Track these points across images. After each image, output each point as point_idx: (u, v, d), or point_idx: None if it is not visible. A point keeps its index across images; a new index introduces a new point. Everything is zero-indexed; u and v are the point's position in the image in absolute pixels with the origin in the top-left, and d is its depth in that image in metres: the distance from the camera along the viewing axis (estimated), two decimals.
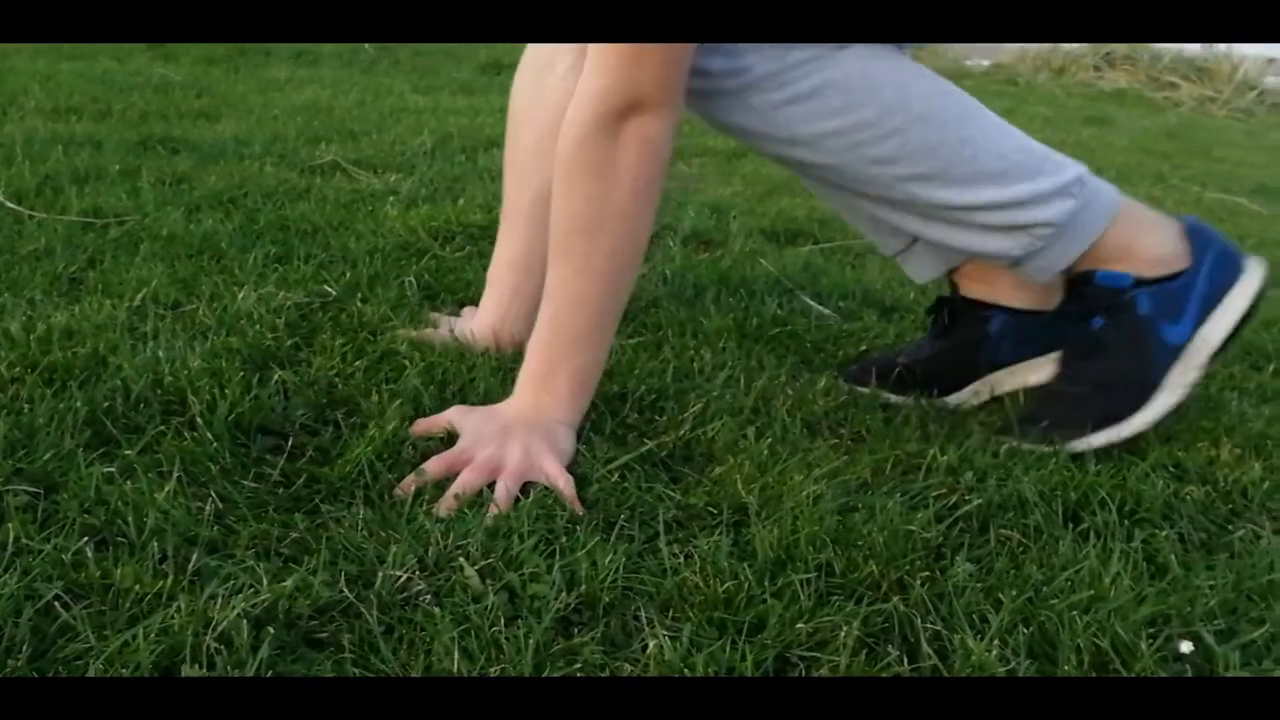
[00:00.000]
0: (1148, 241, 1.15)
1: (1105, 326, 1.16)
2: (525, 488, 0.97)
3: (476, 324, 1.29)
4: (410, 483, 0.95)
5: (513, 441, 1.00)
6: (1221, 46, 6.86)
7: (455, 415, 1.05)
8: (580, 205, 1.03)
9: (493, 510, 0.92)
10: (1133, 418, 1.14)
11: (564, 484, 0.97)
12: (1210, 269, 1.15)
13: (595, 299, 1.06)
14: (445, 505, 0.93)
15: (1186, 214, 1.21)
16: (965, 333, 1.26)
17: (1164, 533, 0.99)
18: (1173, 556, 0.95)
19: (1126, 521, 1.01)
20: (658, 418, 1.13)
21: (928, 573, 0.89)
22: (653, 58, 1.00)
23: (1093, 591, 0.87)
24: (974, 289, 1.26)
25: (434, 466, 0.97)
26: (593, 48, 1.02)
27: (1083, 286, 1.16)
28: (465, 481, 0.96)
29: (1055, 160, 1.13)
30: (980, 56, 6.86)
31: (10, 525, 0.81)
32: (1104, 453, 1.13)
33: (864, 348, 1.42)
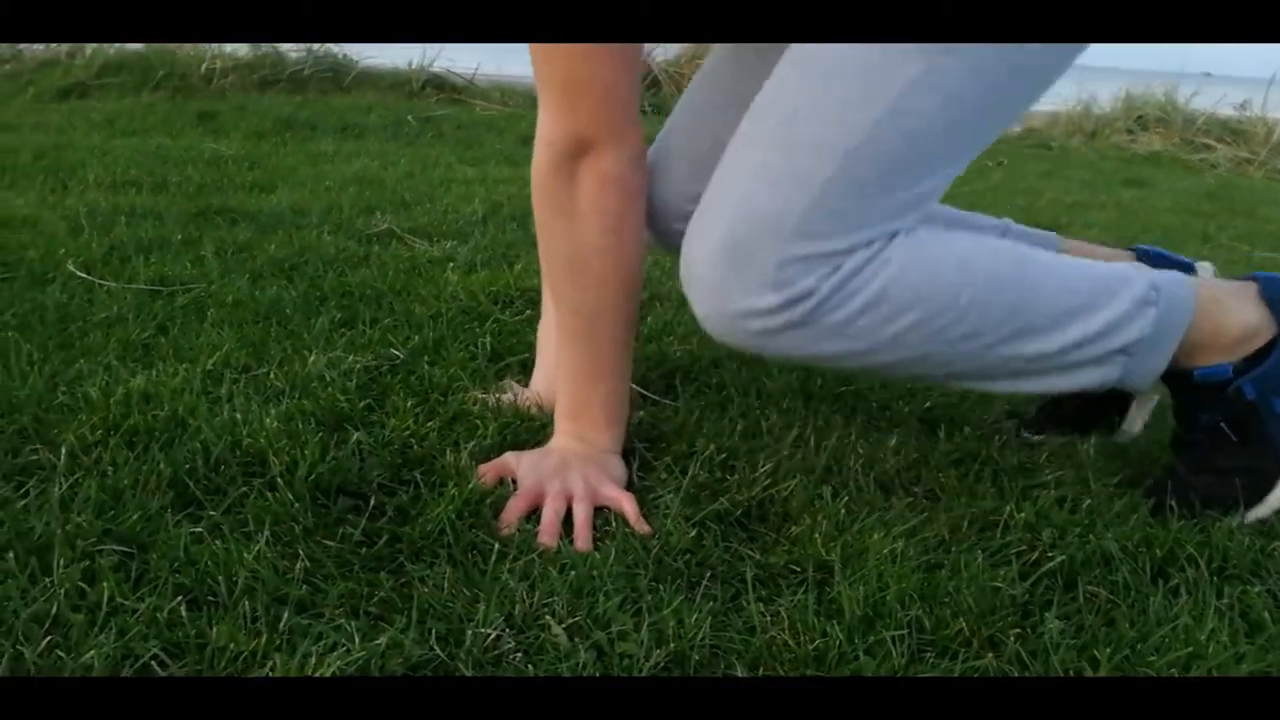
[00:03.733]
0: (1233, 319, 1.13)
1: (1214, 420, 1.13)
2: (600, 538, 0.99)
3: (531, 390, 1.30)
4: (512, 522, 1.01)
5: (571, 473, 1.06)
6: (1256, 108, 6.87)
7: (510, 458, 1.10)
8: (559, 247, 1.09)
9: (580, 543, 0.99)
10: (1266, 500, 1.12)
11: (628, 504, 1.04)
12: None
13: (599, 331, 1.11)
14: (548, 535, 0.99)
15: (1258, 271, 1.20)
16: None
17: (1256, 589, 0.97)
18: (1266, 613, 0.94)
19: (1215, 578, 0.99)
20: (729, 477, 1.13)
21: (1018, 630, 0.88)
22: (586, 100, 1.04)
23: (1190, 649, 0.86)
24: None
25: (519, 505, 1.03)
26: (540, 104, 1.07)
27: (1183, 383, 1.14)
28: (550, 515, 1.01)
29: (1120, 275, 1.10)
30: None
31: (104, 584, 0.82)
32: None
33: (928, 404, 1.41)
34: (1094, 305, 1.08)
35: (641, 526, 1.01)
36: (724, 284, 0.99)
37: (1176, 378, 1.14)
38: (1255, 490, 1.12)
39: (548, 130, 1.06)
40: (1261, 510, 1.12)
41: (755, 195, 0.98)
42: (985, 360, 1.07)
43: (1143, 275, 1.11)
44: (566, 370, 1.13)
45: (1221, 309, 1.13)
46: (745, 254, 0.98)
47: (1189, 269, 1.17)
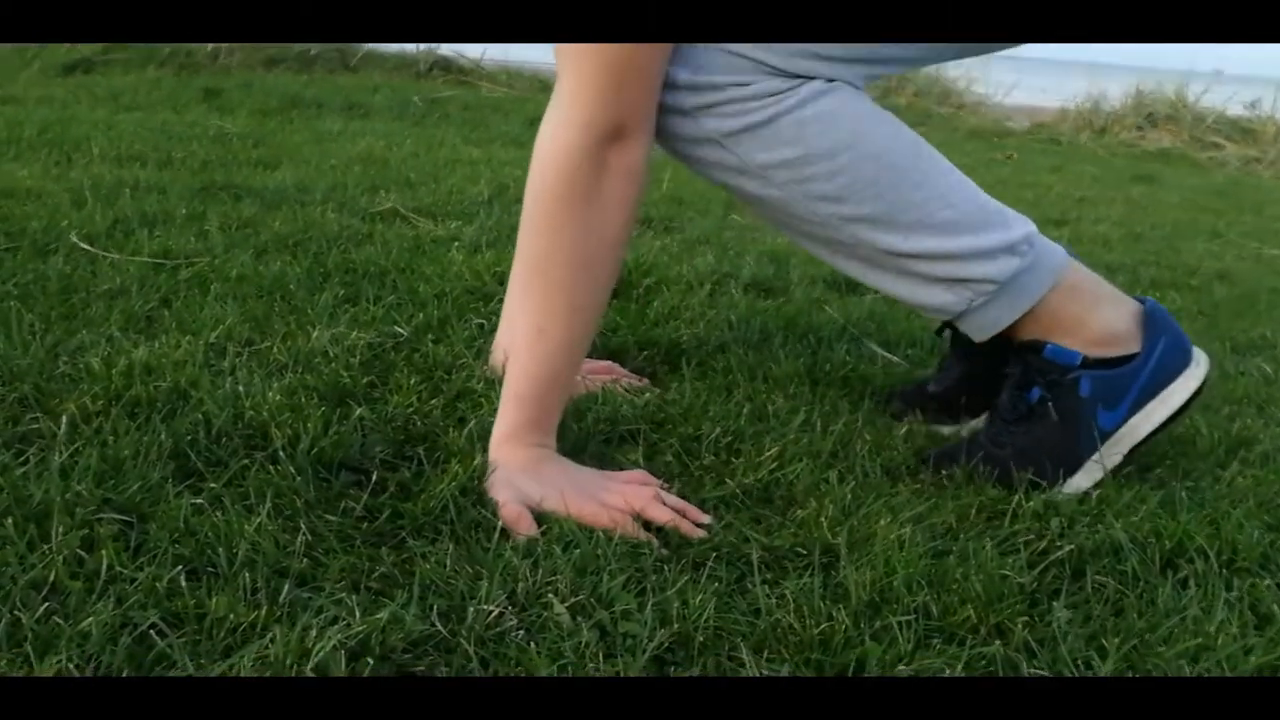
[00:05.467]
0: (1103, 317, 1.14)
1: (1042, 399, 1.14)
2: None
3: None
4: (637, 530, 0.95)
5: (609, 495, 0.99)
6: (1266, 108, 6.85)
7: (521, 499, 0.98)
8: (572, 239, 1.02)
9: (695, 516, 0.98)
10: (1070, 481, 1.13)
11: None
12: (1158, 358, 1.13)
13: (588, 333, 1.06)
14: (669, 519, 0.96)
15: (1147, 296, 1.20)
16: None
17: (1265, 582, 0.96)
18: (1275, 606, 0.93)
19: (1225, 570, 0.98)
20: (734, 460, 1.12)
21: (1026, 618, 0.87)
22: (635, 85, 1.01)
23: (1199, 640, 0.85)
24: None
25: (628, 515, 0.97)
26: (569, 79, 1.01)
27: (1030, 355, 1.14)
28: (657, 508, 0.98)
29: (1006, 216, 1.11)
30: (1021, 117, 6.87)
31: (103, 553, 0.81)
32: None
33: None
34: (960, 227, 1.08)
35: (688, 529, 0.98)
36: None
37: (1027, 347, 1.14)
38: (1047, 480, 1.12)
39: (585, 112, 1.00)
40: (1067, 489, 1.13)
41: None
42: (840, 232, 1.09)
43: (1024, 227, 1.11)
44: (543, 375, 1.03)
45: (1093, 302, 1.14)
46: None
47: (1186, 351, 1.16)
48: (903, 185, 1.06)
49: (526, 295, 1.05)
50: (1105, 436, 1.13)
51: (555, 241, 1.03)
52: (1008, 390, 1.16)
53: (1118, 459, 1.14)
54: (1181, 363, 1.15)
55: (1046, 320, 1.12)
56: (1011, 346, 1.16)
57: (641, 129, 1.02)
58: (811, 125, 1.03)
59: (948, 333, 1.25)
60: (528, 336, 1.04)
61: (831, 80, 1.05)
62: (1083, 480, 1.13)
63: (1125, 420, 1.13)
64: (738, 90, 1.03)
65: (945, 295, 1.11)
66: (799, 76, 1.03)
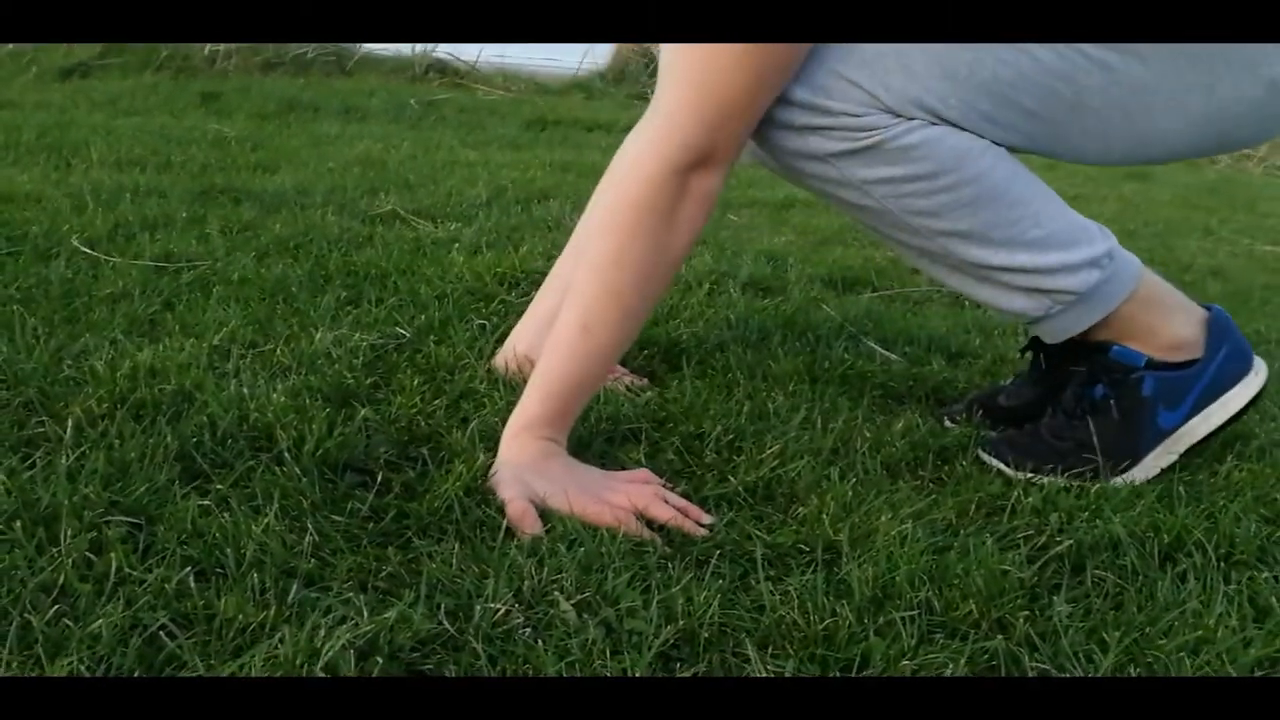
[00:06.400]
0: (1172, 326, 1.17)
1: (1106, 397, 1.18)
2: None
3: (512, 349, 1.31)
4: (641, 528, 0.96)
5: (615, 494, 1.00)
6: None
7: (527, 493, 0.98)
8: (644, 253, 1.05)
9: (699, 516, 0.99)
10: (1130, 473, 1.17)
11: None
12: (1220, 364, 1.17)
13: (626, 341, 1.10)
14: (672, 518, 0.98)
15: (1215, 305, 1.23)
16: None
17: (1263, 575, 0.97)
18: (1274, 599, 0.94)
19: (1223, 564, 0.99)
20: (736, 458, 1.13)
21: (1027, 612, 0.87)
22: (739, 115, 1.03)
23: (1199, 634, 0.86)
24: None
25: (632, 514, 0.98)
26: (672, 97, 1.03)
27: (1098, 354, 1.18)
28: (660, 507, 0.99)
29: (1091, 232, 1.14)
30: None
31: (112, 555, 0.81)
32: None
33: (934, 386, 1.42)
34: (1050, 244, 1.11)
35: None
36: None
37: (1094, 347, 1.18)
38: (1106, 474, 1.16)
39: (683, 134, 1.03)
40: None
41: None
42: (931, 243, 1.12)
43: (1106, 240, 1.14)
44: (577, 373, 1.06)
45: (1165, 313, 1.18)
46: (811, 54, 1.04)
47: (1247, 358, 1.20)
48: (998, 205, 1.09)
49: (579, 294, 1.07)
50: (1164, 435, 1.17)
51: (624, 249, 1.05)
52: (1072, 386, 1.20)
53: (1173, 458, 1.17)
54: (1241, 369, 1.19)
55: (1118, 327, 1.16)
56: (1082, 348, 1.19)
57: (729, 160, 1.06)
58: (915, 150, 1.06)
59: (1028, 354, 1.31)
60: (571, 332, 1.06)
61: (937, 123, 1.07)
62: (1139, 474, 1.17)
63: (1184, 421, 1.17)
64: (849, 119, 1.05)
65: (1025, 302, 1.14)
66: (910, 118, 1.05)
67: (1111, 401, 1.17)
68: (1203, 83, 1.07)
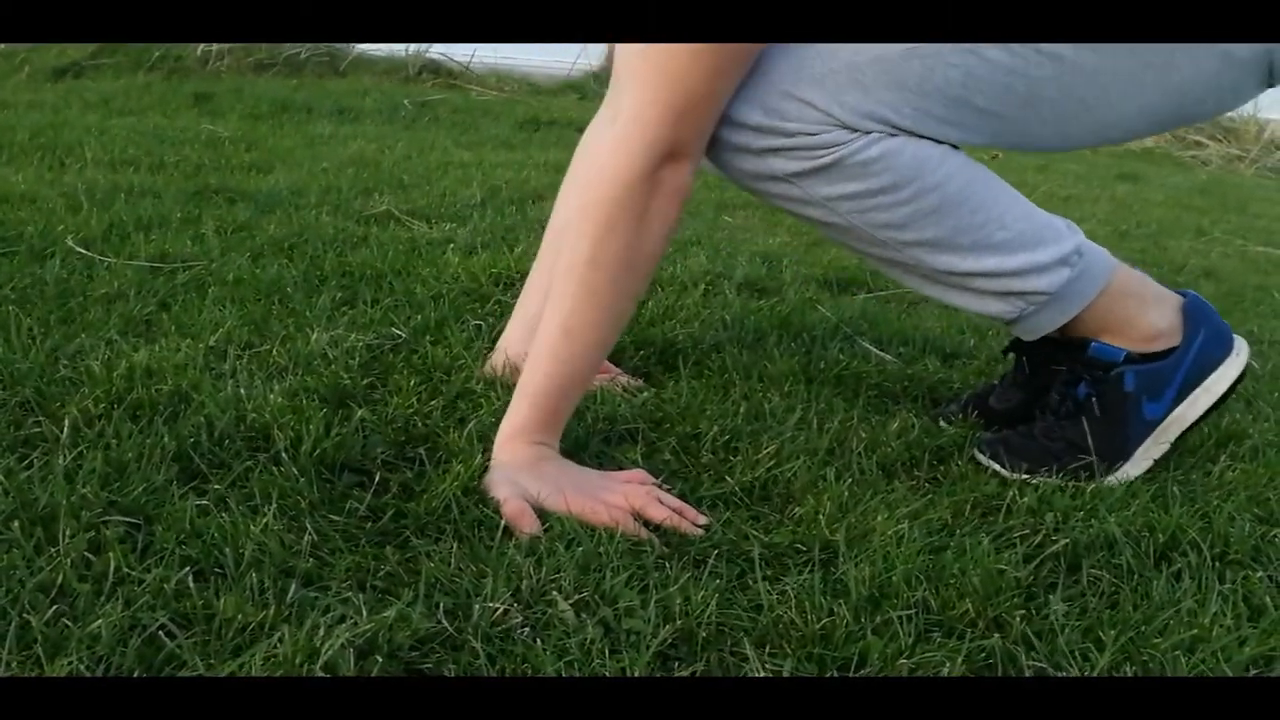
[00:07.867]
0: (1148, 316, 1.18)
1: (1089, 396, 1.18)
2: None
3: (504, 352, 1.31)
4: (637, 528, 0.97)
5: (611, 494, 1.00)
6: (1249, 108, 6.88)
7: (523, 494, 0.99)
8: (619, 252, 1.05)
9: (694, 517, 1.00)
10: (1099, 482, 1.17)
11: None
12: (1199, 349, 1.17)
13: (609, 340, 1.10)
14: (667, 518, 0.98)
15: (1188, 289, 1.23)
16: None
17: (1258, 574, 0.98)
18: (1268, 598, 0.94)
19: (1217, 563, 1.00)
20: (732, 458, 1.13)
21: (1024, 611, 0.88)
22: (703, 112, 1.04)
23: (1194, 632, 0.86)
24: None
25: (628, 514, 0.98)
26: (635, 96, 1.03)
27: (1077, 353, 1.19)
28: (656, 507, 0.99)
29: (1056, 229, 1.14)
30: None
31: (111, 555, 0.81)
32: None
33: (929, 386, 1.42)
34: (1016, 245, 1.12)
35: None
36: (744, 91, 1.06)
37: (1073, 345, 1.19)
38: (1100, 472, 1.17)
39: (650, 132, 1.02)
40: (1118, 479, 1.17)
41: (810, 57, 1.06)
42: (901, 254, 1.13)
43: (1074, 236, 1.15)
44: (562, 376, 1.05)
45: (1140, 304, 1.18)
46: (762, 76, 1.06)
47: (1226, 340, 1.20)
48: (960, 212, 1.10)
49: (558, 297, 1.06)
50: (1151, 427, 1.17)
51: (599, 250, 1.05)
52: (1057, 387, 1.21)
53: (1165, 448, 1.18)
54: (1222, 352, 1.19)
55: (1094, 322, 1.17)
56: (1061, 347, 1.20)
57: (697, 152, 1.06)
58: (876, 163, 1.07)
59: (1010, 355, 1.32)
60: (553, 337, 1.06)
61: (895, 133, 1.07)
62: (1132, 470, 1.18)
63: (1170, 410, 1.17)
64: (806, 139, 1.06)
65: (1000, 305, 1.15)
66: (867, 131, 1.06)
67: (1094, 400, 1.18)
68: (1158, 60, 1.08)
